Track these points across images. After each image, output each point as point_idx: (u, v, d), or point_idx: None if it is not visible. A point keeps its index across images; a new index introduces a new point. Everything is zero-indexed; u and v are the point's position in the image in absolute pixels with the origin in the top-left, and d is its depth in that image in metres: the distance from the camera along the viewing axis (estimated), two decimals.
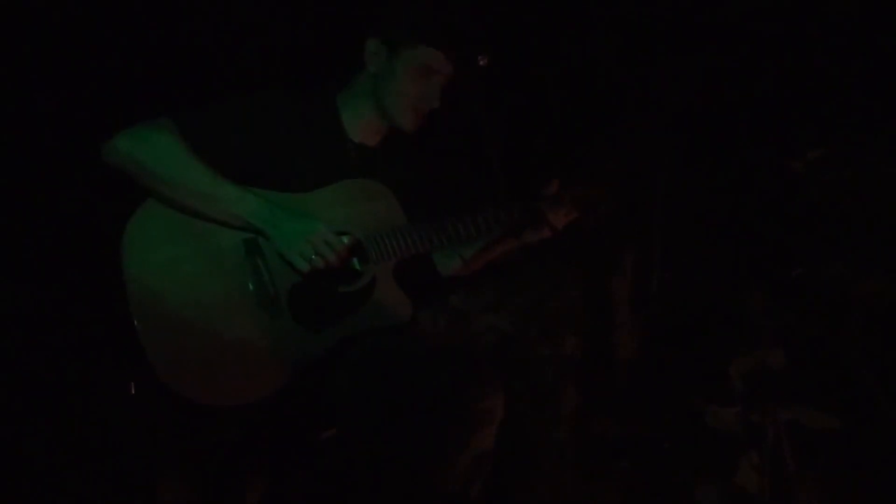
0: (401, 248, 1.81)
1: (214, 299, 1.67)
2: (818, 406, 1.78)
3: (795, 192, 2.45)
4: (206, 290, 1.67)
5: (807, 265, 2.16)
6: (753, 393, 1.80)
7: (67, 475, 1.95)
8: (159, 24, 2.16)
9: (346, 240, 1.74)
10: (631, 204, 2.57)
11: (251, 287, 1.70)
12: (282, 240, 1.70)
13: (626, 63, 2.69)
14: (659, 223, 2.63)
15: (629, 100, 2.72)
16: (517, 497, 2.27)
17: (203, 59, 2.21)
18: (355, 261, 1.78)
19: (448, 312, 2.30)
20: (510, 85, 2.57)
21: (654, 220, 2.63)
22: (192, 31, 2.21)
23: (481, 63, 1.86)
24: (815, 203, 2.39)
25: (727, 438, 1.84)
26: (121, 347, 1.61)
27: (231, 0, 2.28)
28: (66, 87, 2.09)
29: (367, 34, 1.86)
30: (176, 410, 1.67)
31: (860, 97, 2.53)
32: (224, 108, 1.79)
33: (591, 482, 2.34)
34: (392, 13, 1.86)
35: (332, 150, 1.89)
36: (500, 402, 1.70)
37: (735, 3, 2.57)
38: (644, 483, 2.26)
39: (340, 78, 1.94)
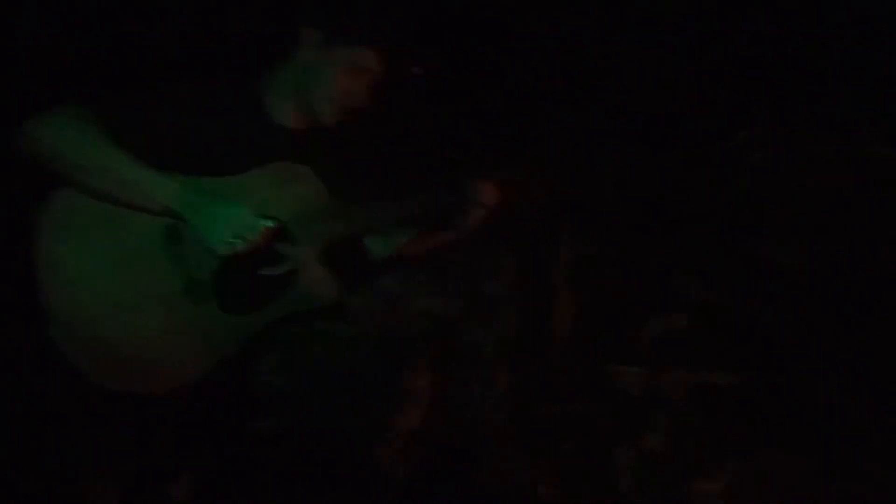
0: (326, 232, 1.81)
1: (136, 287, 1.65)
2: (721, 367, 1.82)
3: (728, 171, 2.50)
4: (126, 278, 1.65)
5: (734, 240, 2.20)
6: (659, 355, 1.84)
7: None
8: (76, 8, 2.12)
9: (270, 223, 1.72)
10: (567, 187, 2.59)
11: (173, 273, 1.68)
12: (202, 224, 1.67)
13: (565, 52, 2.71)
14: (596, 206, 2.66)
15: (565, 87, 2.74)
16: (459, 479, 2.28)
17: (121, 47, 2.17)
18: (279, 244, 1.77)
19: (382, 296, 2.30)
20: (447, 74, 2.57)
21: (590, 203, 2.66)
22: (110, 16, 2.17)
23: (416, 72, 1.86)
24: (746, 182, 2.44)
25: (636, 401, 1.88)
26: (36, 340, 1.58)
27: None
28: None
29: (302, 22, 1.84)
30: (99, 400, 1.65)
31: (791, 78, 2.58)
32: (140, 93, 1.75)
33: (533, 461, 2.36)
34: (333, 6, 1.85)
35: (256, 135, 1.87)
36: (428, 382, 1.71)
37: None
38: (575, 456, 2.28)
39: (266, 63, 1.92)
